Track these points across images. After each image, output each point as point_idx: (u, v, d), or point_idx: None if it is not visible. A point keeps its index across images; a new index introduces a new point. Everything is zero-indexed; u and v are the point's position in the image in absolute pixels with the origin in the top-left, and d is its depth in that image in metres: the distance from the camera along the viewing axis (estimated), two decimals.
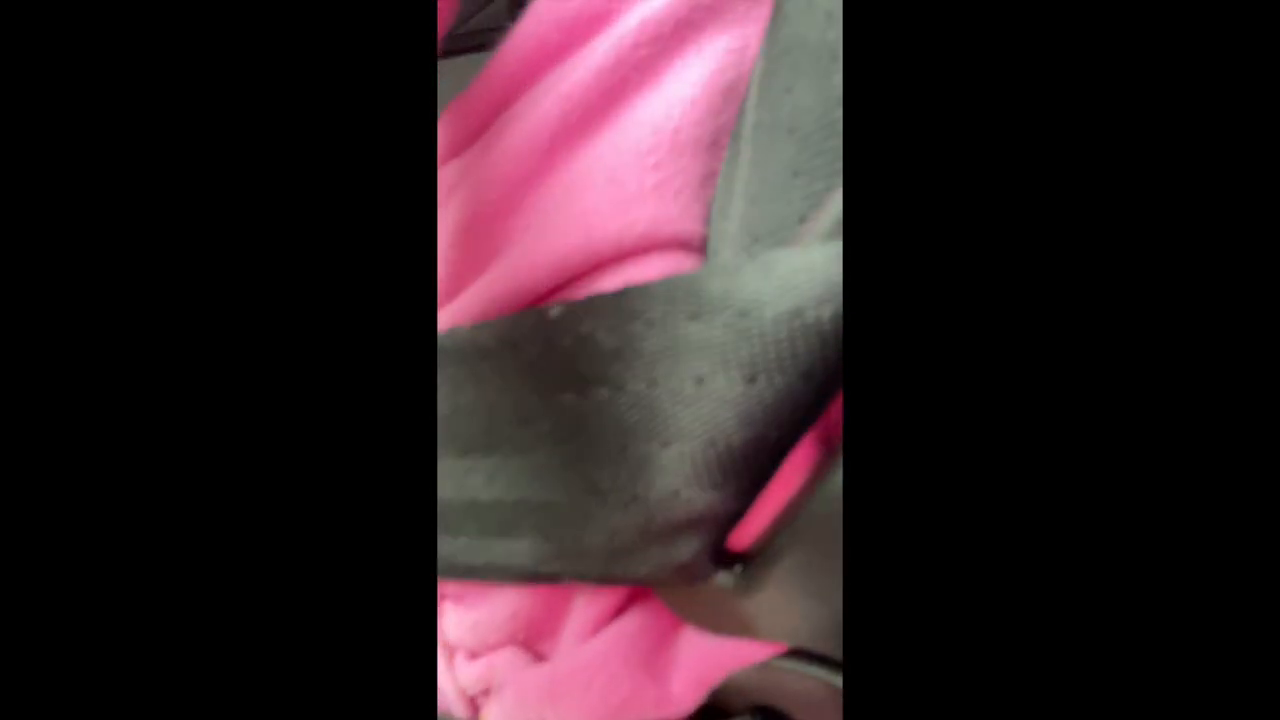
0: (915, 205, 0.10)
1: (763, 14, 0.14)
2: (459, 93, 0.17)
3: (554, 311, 0.14)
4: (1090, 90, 0.09)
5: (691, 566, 0.13)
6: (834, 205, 0.12)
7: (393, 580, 0.10)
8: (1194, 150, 0.09)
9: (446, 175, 0.17)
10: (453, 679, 0.17)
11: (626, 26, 0.15)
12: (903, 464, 0.10)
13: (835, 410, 0.12)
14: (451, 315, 0.16)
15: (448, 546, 0.15)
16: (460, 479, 0.15)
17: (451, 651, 0.17)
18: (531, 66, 0.16)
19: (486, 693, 0.17)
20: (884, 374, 0.10)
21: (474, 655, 0.16)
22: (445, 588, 0.17)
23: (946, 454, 0.10)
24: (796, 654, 0.14)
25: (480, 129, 0.17)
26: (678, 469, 0.12)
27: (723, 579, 0.14)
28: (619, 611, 0.15)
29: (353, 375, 0.11)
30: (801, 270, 0.11)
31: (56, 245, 0.10)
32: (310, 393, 0.10)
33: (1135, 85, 0.09)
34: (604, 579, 0.14)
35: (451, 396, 0.14)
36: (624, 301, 0.13)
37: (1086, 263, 0.09)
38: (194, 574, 0.10)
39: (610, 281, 0.14)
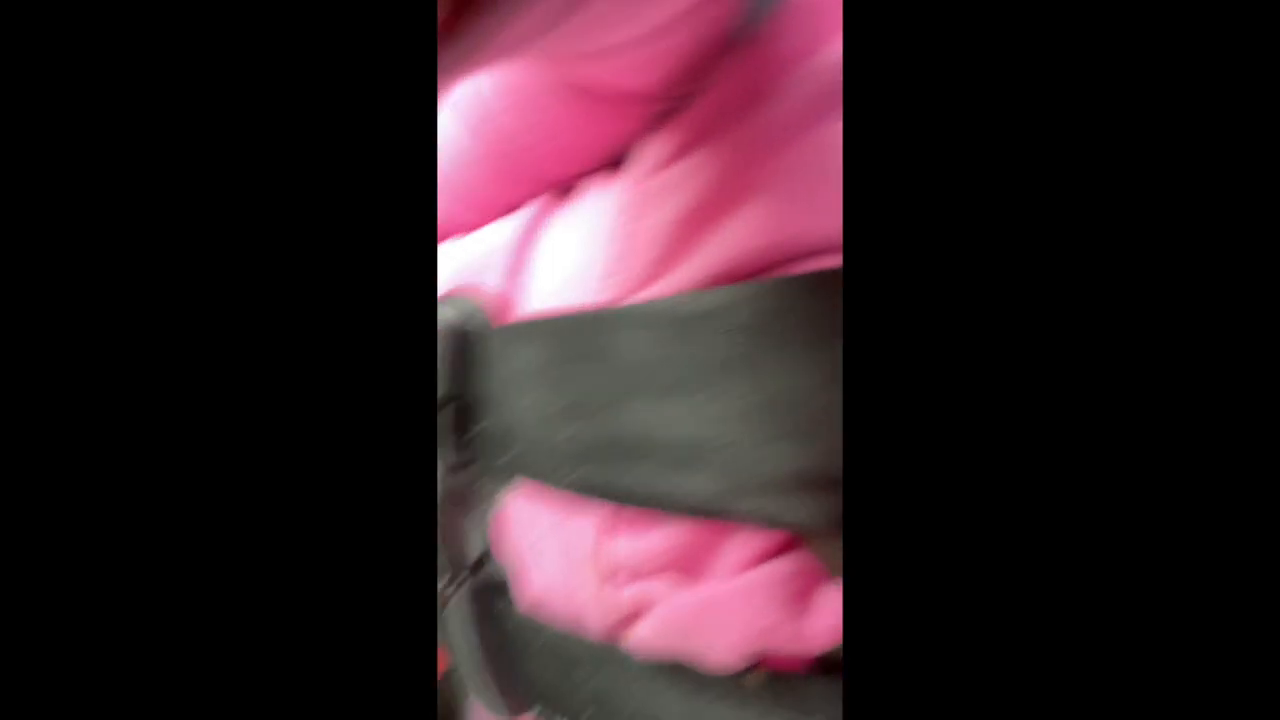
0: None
1: None
2: None
3: (747, 289, 0.16)
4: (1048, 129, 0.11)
5: (842, 520, 0.15)
6: None
7: (393, 573, 0.11)
8: (1155, 165, 0.10)
9: (671, 175, 0.20)
10: (600, 601, 0.19)
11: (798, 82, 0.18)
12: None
13: None
14: (664, 287, 0.19)
15: (629, 475, 0.18)
16: (656, 414, 0.17)
17: (612, 574, 0.19)
18: (733, 106, 0.19)
19: (635, 615, 0.19)
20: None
21: (633, 578, 0.19)
22: (621, 513, 0.19)
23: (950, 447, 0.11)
24: None
25: (698, 145, 0.20)
26: (839, 424, 0.15)
27: None
28: (771, 555, 0.17)
29: (351, 364, 0.11)
30: None
31: (72, 249, 0.10)
32: (309, 393, 0.11)
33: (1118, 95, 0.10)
34: (766, 521, 0.16)
35: (660, 347, 0.17)
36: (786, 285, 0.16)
37: (1071, 266, 0.11)
38: (193, 568, 0.11)
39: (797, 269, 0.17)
